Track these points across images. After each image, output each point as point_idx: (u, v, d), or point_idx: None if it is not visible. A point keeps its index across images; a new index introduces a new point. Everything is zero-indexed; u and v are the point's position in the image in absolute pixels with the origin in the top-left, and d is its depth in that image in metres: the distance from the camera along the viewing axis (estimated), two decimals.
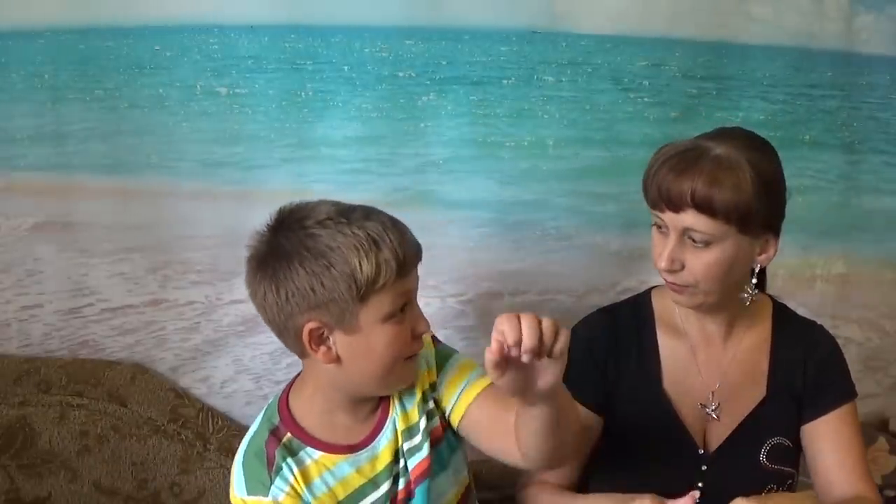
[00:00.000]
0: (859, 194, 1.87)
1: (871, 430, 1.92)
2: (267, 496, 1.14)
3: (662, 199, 1.21)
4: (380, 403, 1.23)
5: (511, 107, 1.68)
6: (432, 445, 1.22)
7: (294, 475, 1.15)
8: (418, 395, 1.23)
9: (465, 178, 1.68)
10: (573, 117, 1.71)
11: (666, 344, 1.37)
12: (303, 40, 1.61)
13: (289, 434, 1.19)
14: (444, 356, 1.27)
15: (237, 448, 1.63)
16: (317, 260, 1.08)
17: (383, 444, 1.20)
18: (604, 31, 1.71)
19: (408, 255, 1.11)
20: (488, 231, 1.71)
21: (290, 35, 1.60)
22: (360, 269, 1.07)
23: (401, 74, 1.64)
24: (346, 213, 1.11)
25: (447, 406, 1.24)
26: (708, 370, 1.36)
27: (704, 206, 1.18)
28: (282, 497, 1.14)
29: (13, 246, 1.60)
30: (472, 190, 1.69)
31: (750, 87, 1.79)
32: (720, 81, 1.78)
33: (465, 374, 1.25)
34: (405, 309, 1.13)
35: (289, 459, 1.16)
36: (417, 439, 1.22)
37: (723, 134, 1.27)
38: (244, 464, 1.18)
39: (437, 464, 1.22)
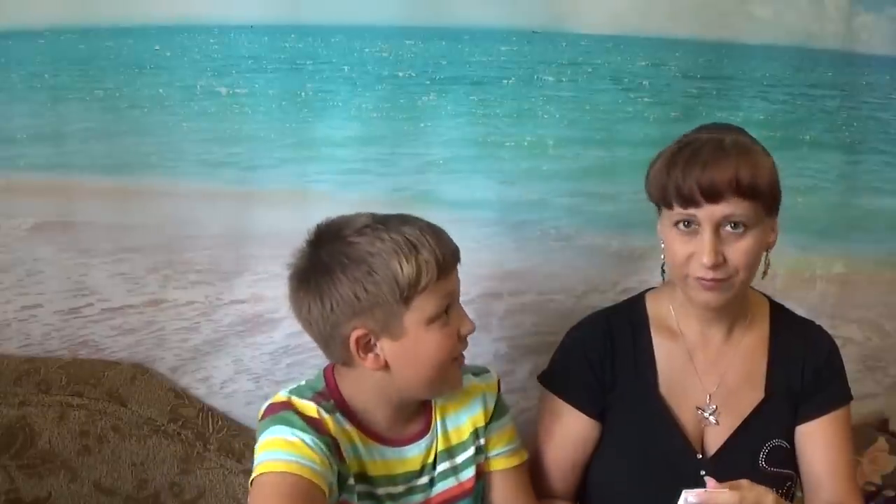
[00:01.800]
0: (859, 194, 1.87)
1: (871, 430, 1.92)
2: (309, 402, 1.14)
3: (702, 192, 1.19)
4: (420, 413, 1.25)
5: (511, 107, 1.68)
6: (477, 478, 1.26)
7: (325, 419, 1.14)
8: (467, 425, 1.26)
9: (465, 179, 1.68)
10: (573, 117, 1.71)
11: (661, 347, 1.36)
12: (303, 40, 1.61)
13: (333, 401, 1.19)
14: (502, 409, 1.32)
15: (237, 448, 1.64)
16: (358, 266, 1.10)
17: (413, 454, 1.22)
18: (604, 31, 1.71)
19: (446, 255, 1.14)
20: (488, 231, 1.71)
21: (290, 35, 1.60)
22: (402, 271, 1.09)
23: (401, 74, 1.64)
24: (383, 221, 1.14)
25: (487, 454, 1.29)
26: (705, 372, 1.35)
27: (748, 190, 1.19)
28: (325, 415, 1.13)
29: (13, 246, 1.60)
30: (472, 190, 1.69)
31: (750, 87, 1.78)
32: (720, 81, 1.78)
33: (511, 440, 1.31)
34: (448, 311, 1.16)
35: (323, 411, 1.14)
36: (456, 465, 1.25)
37: (712, 128, 1.28)
38: (287, 391, 1.17)
39: (475, 497, 1.27)
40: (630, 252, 1.75)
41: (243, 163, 1.62)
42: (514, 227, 1.72)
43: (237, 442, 1.65)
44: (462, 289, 1.68)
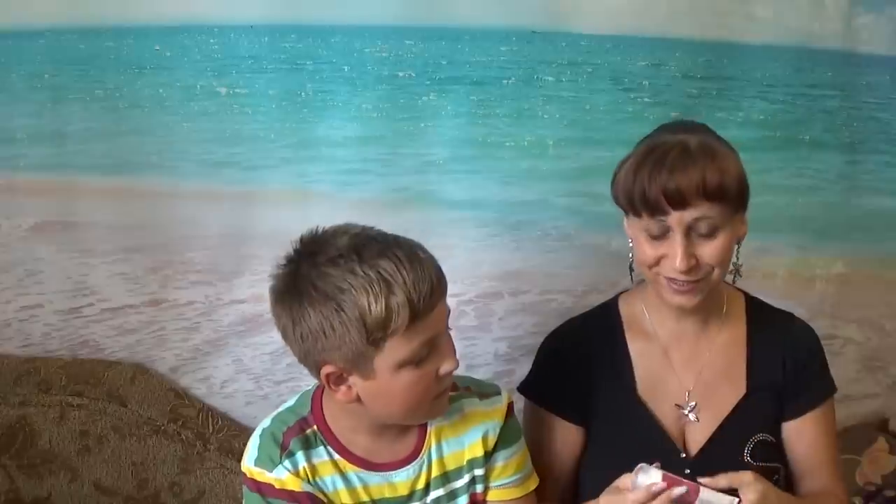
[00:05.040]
0: (859, 194, 1.87)
1: (871, 430, 1.92)
2: (271, 472, 1.14)
3: (668, 198, 1.18)
4: (410, 434, 1.19)
5: (511, 107, 1.68)
6: None
7: (305, 465, 1.15)
8: (465, 452, 1.21)
9: (465, 178, 1.68)
10: (573, 117, 1.71)
11: (636, 348, 1.35)
12: (303, 40, 1.61)
13: (315, 427, 1.17)
14: (510, 436, 1.24)
15: (237, 448, 1.64)
16: (326, 303, 1.03)
17: (401, 479, 1.18)
18: (604, 31, 1.71)
19: (423, 296, 1.03)
20: (488, 231, 1.71)
21: (290, 35, 1.60)
22: (370, 312, 1.01)
23: (401, 74, 1.64)
24: (360, 249, 1.04)
25: (489, 483, 1.24)
26: (683, 370, 1.34)
27: (716, 194, 1.17)
28: (285, 475, 1.14)
29: (13, 246, 1.60)
30: (472, 190, 1.69)
31: (750, 87, 1.78)
32: (720, 81, 1.78)
33: (518, 469, 1.25)
34: (429, 351, 1.08)
35: (301, 452, 1.15)
36: (452, 491, 1.21)
37: (678, 128, 1.26)
38: (261, 437, 1.18)
39: None
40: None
41: (243, 163, 1.62)
42: (514, 227, 1.72)
43: (237, 442, 1.65)
44: (462, 289, 1.70)
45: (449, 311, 1.11)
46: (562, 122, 1.70)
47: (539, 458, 1.34)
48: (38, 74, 1.55)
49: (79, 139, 1.58)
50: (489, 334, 1.74)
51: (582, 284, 1.76)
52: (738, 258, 1.29)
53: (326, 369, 1.08)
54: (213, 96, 1.59)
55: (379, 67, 1.63)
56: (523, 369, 1.74)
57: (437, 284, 1.07)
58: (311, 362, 1.09)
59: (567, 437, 1.35)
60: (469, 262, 1.70)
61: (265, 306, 1.67)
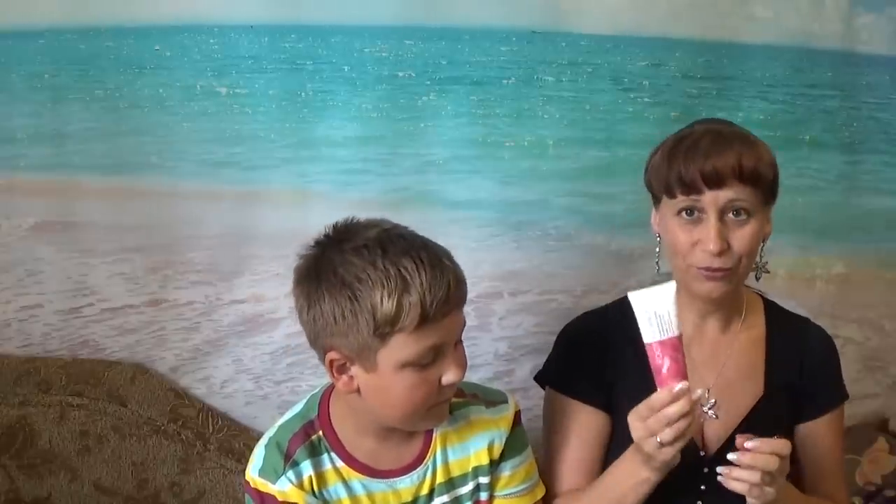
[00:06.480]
0: (859, 194, 1.87)
1: (871, 430, 1.92)
2: (274, 483, 1.14)
3: (704, 179, 1.19)
4: (415, 440, 1.19)
5: (511, 107, 1.68)
6: None
7: (311, 475, 1.15)
8: (471, 459, 1.21)
9: (465, 179, 1.68)
10: (573, 117, 1.71)
11: None
12: (303, 40, 1.61)
13: (321, 433, 1.17)
14: (517, 446, 1.24)
15: (237, 448, 1.65)
16: (342, 290, 1.04)
17: (405, 485, 1.18)
18: (604, 31, 1.71)
19: (438, 300, 1.05)
20: (488, 231, 1.71)
21: (290, 35, 1.60)
22: (381, 306, 1.02)
23: (401, 74, 1.64)
24: (385, 244, 1.06)
25: (495, 492, 1.23)
26: (703, 366, 1.34)
27: (749, 176, 1.19)
28: (288, 487, 1.14)
29: (13, 246, 1.60)
30: (472, 190, 1.69)
31: (750, 87, 1.79)
32: (720, 81, 1.78)
33: (525, 478, 1.25)
34: (435, 357, 1.08)
35: (307, 461, 1.15)
36: (457, 496, 1.21)
37: (707, 122, 1.29)
38: (266, 446, 1.17)
39: None
40: (630, 252, 1.75)
41: (243, 163, 1.62)
42: (514, 227, 1.72)
43: (237, 442, 1.65)
44: None
45: (464, 324, 1.12)
46: (562, 122, 1.70)
47: (567, 450, 1.34)
48: (38, 74, 1.55)
49: (79, 139, 1.58)
50: (489, 334, 1.74)
51: (582, 284, 1.76)
52: (761, 256, 1.30)
53: (331, 355, 1.09)
54: (213, 96, 1.59)
55: (379, 67, 1.63)
56: (523, 369, 1.74)
57: (454, 293, 1.08)
58: (319, 346, 1.11)
59: (596, 425, 1.34)
60: (469, 262, 1.68)
61: (265, 306, 1.69)
